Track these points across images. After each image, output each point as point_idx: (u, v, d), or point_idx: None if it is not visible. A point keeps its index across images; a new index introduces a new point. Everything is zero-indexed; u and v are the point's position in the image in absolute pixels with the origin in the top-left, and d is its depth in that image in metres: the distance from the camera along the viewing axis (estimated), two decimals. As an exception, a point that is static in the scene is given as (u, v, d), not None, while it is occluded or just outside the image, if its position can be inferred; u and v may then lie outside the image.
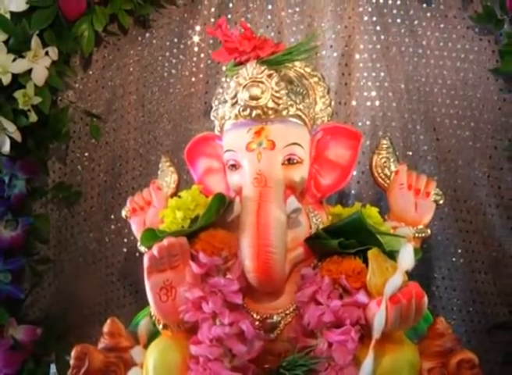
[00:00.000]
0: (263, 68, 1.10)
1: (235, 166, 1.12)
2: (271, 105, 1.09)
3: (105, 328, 1.15)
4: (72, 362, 1.12)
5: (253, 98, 1.08)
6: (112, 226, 1.62)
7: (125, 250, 1.62)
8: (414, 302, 0.94)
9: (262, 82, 1.08)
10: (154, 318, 1.09)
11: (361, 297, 0.97)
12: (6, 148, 1.42)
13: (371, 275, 0.97)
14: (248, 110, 1.09)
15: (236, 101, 1.10)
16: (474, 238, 1.49)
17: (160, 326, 1.07)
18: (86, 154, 1.60)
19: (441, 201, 1.22)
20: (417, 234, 1.17)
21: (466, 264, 1.49)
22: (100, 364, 1.11)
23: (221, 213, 1.06)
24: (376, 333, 0.92)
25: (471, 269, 1.49)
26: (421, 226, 1.19)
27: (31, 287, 1.54)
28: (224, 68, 1.51)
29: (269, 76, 1.09)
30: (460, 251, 1.49)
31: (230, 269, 1.01)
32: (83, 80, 1.56)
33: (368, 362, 0.92)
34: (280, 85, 1.10)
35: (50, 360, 1.50)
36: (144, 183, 1.57)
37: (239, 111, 1.10)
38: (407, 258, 0.98)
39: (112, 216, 1.61)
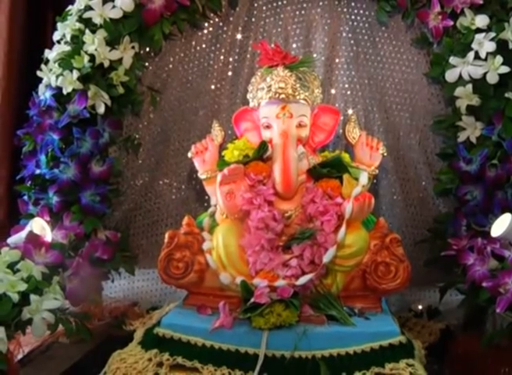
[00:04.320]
0: (286, 71, 2.17)
1: (268, 127, 2.17)
2: (290, 92, 2.14)
3: (183, 222, 2.15)
4: (165, 240, 2.11)
5: (281, 88, 2.13)
6: (161, 170, 2.62)
7: (169, 187, 2.63)
8: (367, 200, 2.01)
9: (286, 79, 2.15)
10: (218, 212, 2.13)
11: (339, 199, 2.04)
12: (101, 109, 2.38)
13: (344, 187, 2.05)
14: (277, 95, 2.14)
15: (270, 89, 2.15)
16: (408, 183, 2.54)
17: (223, 216, 2.11)
18: (145, 117, 2.59)
19: (385, 154, 2.27)
20: (370, 172, 2.23)
21: (402, 200, 2.53)
22: (183, 241, 2.11)
23: (261, 153, 2.11)
24: (347, 215, 1.98)
25: (405, 204, 2.52)
26: (372, 168, 2.25)
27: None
28: (247, 62, 2.55)
29: (290, 75, 2.16)
30: (398, 191, 2.53)
31: (266, 183, 2.07)
32: (146, 65, 2.56)
33: (342, 230, 1.98)
34: (296, 81, 2.16)
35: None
36: (186, 138, 2.60)
37: (272, 95, 2.15)
38: (363, 178, 2.08)
39: (162, 163, 2.62)
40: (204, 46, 2.61)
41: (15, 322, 1.78)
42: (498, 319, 2.05)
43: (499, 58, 2.20)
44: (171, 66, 2.60)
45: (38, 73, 2.45)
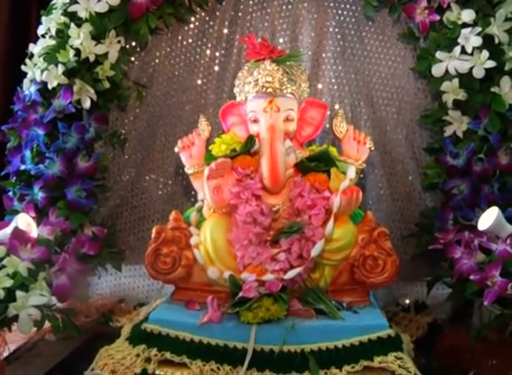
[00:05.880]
0: (273, 65, 2.17)
1: (255, 121, 2.16)
2: (277, 86, 2.14)
3: (171, 217, 2.14)
4: (153, 235, 2.09)
5: (268, 82, 2.13)
6: (148, 165, 2.61)
7: (156, 183, 2.61)
8: (355, 194, 2.01)
9: (273, 73, 2.14)
10: (205, 207, 2.12)
11: (326, 193, 2.04)
12: (87, 104, 2.36)
13: (332, 181, 2.05)
14: (264, 89, 2.13)
15: (257, 83, 2.15)
16: (395, 178, 2.55)
17: (211, 211, 2.10)
18: (131, 112, 2.58)
19: (372, 148, 2.26)
20: (358, 166, 2.22)
21: (389, 195, 2.54)
22: (170, 236, 2.10)
23: (248, 147, 2.11)
24: (335, 209, 1.99)
25: (392, 198, 2.54)
26: (360, 162, 2.24)
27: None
28: (234, 57, 2.55)
29: (277, 69, 2.16)
30: (385, 186, 2.54)
31: (254, 177, 2.07)
32: (132, 59, 2.55)
33: (330, 224, 1.98)
34: (283, 75, 2.16)
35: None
36: (172, 133, 2.59)
37: (259, 89, 2.14)
38: (351, 172, 2.08)
39: (148, 158, 2.61)
40: (190, 41, 2.60)
41: (0, 319, 1.77)
42: (485, 312, 2.06)
43: (485, 53, 2.22)
44: (157, 60, 2.59)
45: (23, 67, 2.44)
